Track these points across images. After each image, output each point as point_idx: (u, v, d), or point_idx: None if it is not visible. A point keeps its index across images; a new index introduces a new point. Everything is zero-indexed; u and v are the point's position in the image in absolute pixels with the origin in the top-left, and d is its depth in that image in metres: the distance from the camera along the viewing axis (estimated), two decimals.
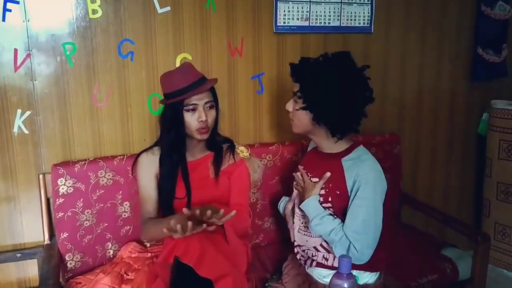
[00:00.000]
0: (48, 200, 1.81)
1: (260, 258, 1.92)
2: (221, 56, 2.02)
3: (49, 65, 1.78)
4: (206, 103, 1.58)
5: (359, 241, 1.41)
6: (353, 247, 1.41)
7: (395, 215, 2.29)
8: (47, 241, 1.81)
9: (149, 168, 1.66)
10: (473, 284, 1.91)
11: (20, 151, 1.81)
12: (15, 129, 1.78)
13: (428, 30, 2.39)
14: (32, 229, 1.86)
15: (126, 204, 1.82)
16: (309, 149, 1.73)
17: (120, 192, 1.81)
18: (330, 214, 1.48)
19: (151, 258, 1.71)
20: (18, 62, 1.74)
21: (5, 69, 1.74)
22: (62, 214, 1.73)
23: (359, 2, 2.19)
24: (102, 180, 1.78)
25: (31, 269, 1.89)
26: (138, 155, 1.71)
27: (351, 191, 1.46)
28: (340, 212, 1.49)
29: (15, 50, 1.73)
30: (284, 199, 1.79)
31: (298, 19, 2.10)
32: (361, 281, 1.50)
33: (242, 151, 1.72)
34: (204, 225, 1.38)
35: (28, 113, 1.79)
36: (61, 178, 1.72)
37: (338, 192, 1.48)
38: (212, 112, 1.61)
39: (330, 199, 1.49)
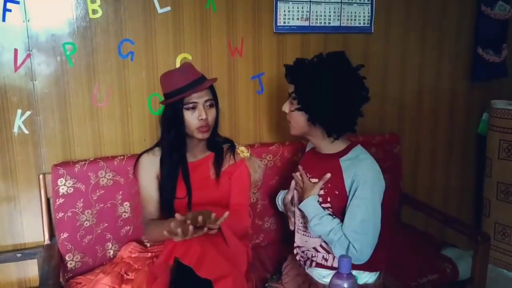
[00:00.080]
0: (48, 200, 1.81)
1: (260, 258, 1.92)
2: (221, 56, 2.02)
3: (49, 65, 1.79)
4: (206, 101, 1.58)
5: (358, 241, 1.41)
6: (352, 247, 1.41)
7: (395, 215, 2.29)
8: (47, 241, 1.81)
9: (150, 169, 1.66)
10: (473, 284, 1.91)
11: (20, 151, 1.81)
12: (15, 129, 1.78)
13: (428, 30, 2.39)
14: (32, 229, 1.86)
15: (126, 205, 1.82)
16: (307, 149, 1.73)
17: (120, 192, 1.81)
18: (329, 214, 1.48)
19: (151, 258, 1.71)
20: (18, 62, 1.74)
21: (5, 69, 1.74)
22: (62, 214, 1.73)
23: (359, 2, 2.19)
24: (102, 180, 1.78)
25: (31, 269, 1.89)
26: (139, 156, 1.71)
27: (349, 191, 1.46)
28: (340, 212, 1.49)
29: (15, 50, 1.73)
30: (282, 192, 1.79)
31: (298, 19, 2.10)
32: (360, 281, 1.50)
33: (243, 151, 1.72)
34: (205, 229, 1.37)
35: (28, 113, 1.79)
36: (61, 178, 1.72)
37: (337, 192, 1.48)
38: (212, 111, 1.61)
39: (329, 199, 1.49)
